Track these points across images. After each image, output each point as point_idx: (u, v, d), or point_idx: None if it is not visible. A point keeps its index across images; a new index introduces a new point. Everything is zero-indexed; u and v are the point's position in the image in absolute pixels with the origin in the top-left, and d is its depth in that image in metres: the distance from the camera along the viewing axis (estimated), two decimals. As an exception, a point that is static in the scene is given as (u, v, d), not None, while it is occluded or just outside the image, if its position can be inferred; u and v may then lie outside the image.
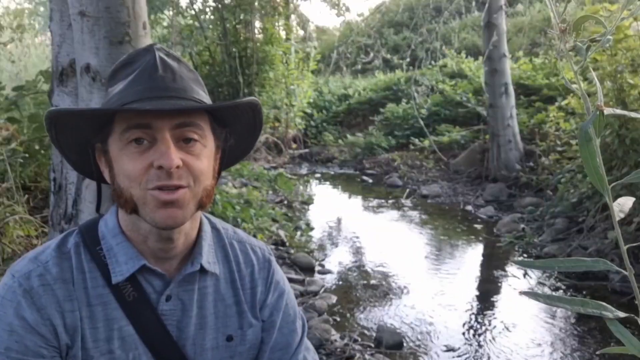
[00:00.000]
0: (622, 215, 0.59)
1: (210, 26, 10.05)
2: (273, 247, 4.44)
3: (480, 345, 2.96)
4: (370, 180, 8.05)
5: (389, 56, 13.53)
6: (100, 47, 1.90)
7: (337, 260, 4.43)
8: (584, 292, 3.61)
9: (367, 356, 2.81)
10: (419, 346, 2.97)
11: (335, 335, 3.03)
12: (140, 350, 0.88)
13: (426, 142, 8.56)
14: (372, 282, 3.92)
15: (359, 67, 14.95)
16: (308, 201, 6.50)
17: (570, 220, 4.63)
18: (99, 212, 0.97)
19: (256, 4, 9.59)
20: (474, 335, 3.08)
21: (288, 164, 9.31)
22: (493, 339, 3.03)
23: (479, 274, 4.22)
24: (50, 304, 0.83)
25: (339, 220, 5.76)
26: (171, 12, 9.70)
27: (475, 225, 5.43)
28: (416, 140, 8.82)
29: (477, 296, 3.70)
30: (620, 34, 4.09)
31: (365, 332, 3.13)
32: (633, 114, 0.60)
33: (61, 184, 2.21)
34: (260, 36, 9.82)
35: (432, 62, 10.92)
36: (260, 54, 9.50)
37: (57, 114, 0.85)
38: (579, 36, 0.58)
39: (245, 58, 9.50)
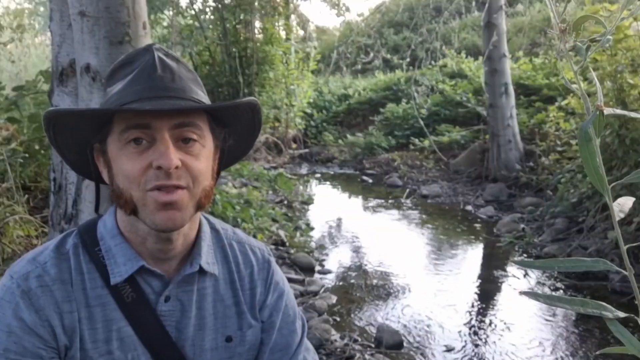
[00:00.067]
0: (622, 215, 0.59)
1: (210, 26, 10.05)
2: (273, 247, 4.44)
3: (480, 345, 2.96)
4: (370, 180, 8.05)
5: (389, 56, 13.53)
6: (100, 47, 1.90)
7: (337, 260, 4.43)
8: (584, 292, 3.61)
9: (367, 356, 2.81)
10: (419, 346, 2.97)
11: (335, 335, 3.03)
12: (139, 351, 0.88)
13: (426, 142, 8.56)
14: (372, 282, 3.92)
15: (359, 67, 14.95)
16: (308, 201, 6.50)
17: (570, 220, 4.63)
18: (97, 212, 0.97)
19: (256, 4, 9.59)
20: (474, 335, 3.08)
21: (288, 164, 9.31)
22: (493, 339, 3.03)
23: (479, 274, 4.22)
24: (48, 305, 0.83)
25: (339, 220, 5.76)
26: (171, 12, 9.70)
27: (475, 225, 5.43)
28: (416, 140, 8.82)
29: (477, 296, 3.70)
30: (620, 34, 4.09)
31: (365, 332, 3.13)
32: (633, 114, 0.60)
33: (61, 184, 2.21)
34: (260, 36, 9.82)
35: (432, 62, 10.92)
36: (260, 54, 9.50)
37: (56, 114, 0.85)
38: (579, 36, 0.58)
39: (245, 58, 9.50)
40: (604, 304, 0.58)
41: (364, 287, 3.84)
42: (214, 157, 0.91)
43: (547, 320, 3.24)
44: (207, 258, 0.94)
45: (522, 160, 6.72)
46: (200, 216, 0.96)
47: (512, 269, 4.13)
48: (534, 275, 3.98)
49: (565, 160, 5.68)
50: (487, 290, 3.80)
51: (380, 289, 3.79)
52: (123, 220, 0.90)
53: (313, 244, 4.81)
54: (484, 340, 3.02)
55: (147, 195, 0.82)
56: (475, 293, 3.76)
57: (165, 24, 10.55)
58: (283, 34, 10.25)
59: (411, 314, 3.36)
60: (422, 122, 8.41)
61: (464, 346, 2.95)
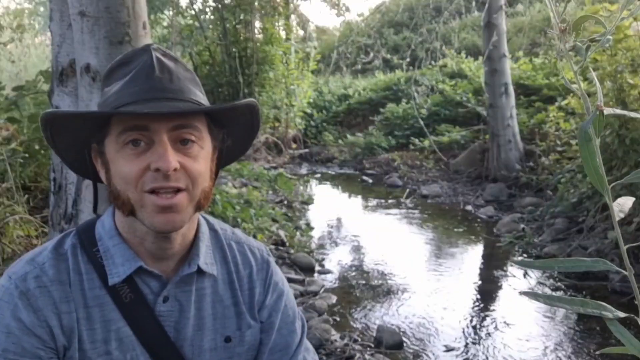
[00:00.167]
0: (622, 215, 0.59)
1: (210, 26, 10.05)
2: (273, 247, 4.44)
3: (480, 345, 2.96)
4: (370, 180, 8.05)
5: (389, 56, 13.53)
6: (100, 47, 1.90)
7: (337, 260, 4.43)
8: (584, 292, 3.61)
9: (367, 356, 2.81)
10: (419, 346, 2.97)
11: (335, 335, 3.03)
12: (138, 352, 0.88)
13: (426, 142, 8.56)
14: (372, 282, 3.92)
15: (359, 67, 14.95)
16: (308, 201, 6.50)
17: (570, 220, 4.63)
18: (96, 212, 0.97)
19: (256, 4, 9.59)
20: (474, 335, 3.08)
21: (288, 164, 9.31)
22: (493, 339, 3.03)
23: (479, 274, 4.22)
24: (46, 306, 0.83)
25: (339, 220, 5.76)
26: (171, 12, 9.70)
27: (475, 225, 5.43)
28: (416, 140, 8.82)
29: (477, 296, 3.70)
30: (620, 34, 4.09)
31: (365, 332, 3.13)
32: (633, 114, 0.60)
33: (61, 184, 2.21)
34: (260, 36, 9.83)
35: (432, 62, 10.92)
36: (260, 54, 9.51)
37: (53, 116, 0.84)
38: (579, 36, 0.58)
39: (245, 58, 9.50)
40: (604, 304, 0.58)
41: (364, 287, 3.84)
42: (212, 158, 0.91)
43: (547, 320, 3.24)
44: (206, 258, 0.94)
45: (522, 160, 6.72)
46: (198, 216, 0.96)
47: (512, 269, 4.13)
48: (534, 275, 3.98)
49: (565, 160, 5.68)
50: (487, 290, 3.80)
51: (380, 289, 3.79)
52: (121, 221, 0.90)
53: (313, 244, 4.81)
54: (484, 340, 3.02)
55: (144, 196, 0.81)
56: (475, 293, 3.76)
57: (165, 24, 10.55)
58: (283, 34, 10.26)
59: (411, 314, 3.36)
60: (422, 122, 8.41)
61: (464, 346, 2.95)
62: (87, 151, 0.90)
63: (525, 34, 12.15)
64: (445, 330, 3.13)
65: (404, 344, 2.97)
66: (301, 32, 12.41)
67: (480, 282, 3.97)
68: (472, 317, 3.33)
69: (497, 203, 6.11)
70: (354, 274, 4.11)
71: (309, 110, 10.86)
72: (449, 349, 2.92)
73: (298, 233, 5.00)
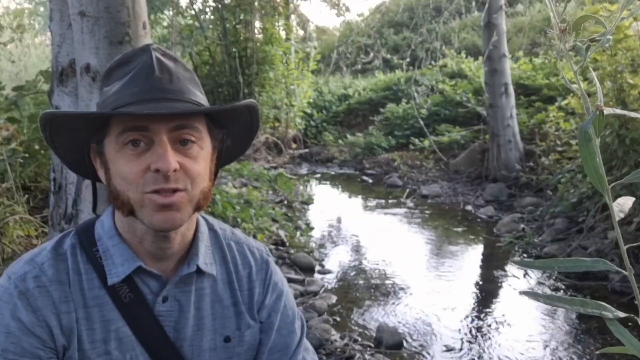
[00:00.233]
0: (622, 215, 0.59)
1: (210, 26, 10.05)
2: (273, 247, 4.44)
3: (480, 345, 2.96)
4: (370, 180, 8.05)
5: (389, 56, 13.53)
6: (100, 47, 1.90)
7: (337, 260, 4.43)
8: (584, 292, 3.61)
9: (367, 356, 2.81)
10: (419, 346, 2.97)
11: (335, 335, 3.03)
12: (137, 351, 0.88)
13: (426, 142, 8.56)
14: (372, 282, 3.92)
15: (359, 67, 14.95)
16: (308, 201, 6.50)
17: (570, 220, 4.63)
18: (95, 212, 0.97)
19: (256, 4, 9.59)
20: (473, 335, 3.08)
21: (288, 164, 9.31)
22: (493, 339, 3.03)
23: (479, 274, 4.22)
24: (46, 306, 0.83)
25: (339, 220, 5.76)
26: (171, 12, 9.70)
27: (475, 225, 5.43)
28: (416, 140, 8.82)
29: (477, 296, 3.70)
30: (620, 34, 4.08)
31: (365, 332, 3.13)
32: (633, 114, 0.60)
33: (61, 184, 2.21)
34: (260, 36, 9.82)
35: (432, 62, 10.92)
36: (260, 54, 9.51)
37: (52, 117, 0.84)
38: (579, 36, 0.58)
39: (245, 58, 9.50)
40: (604, 304, 0.58)
41: (364, 287, 3.84)
42: (211, 158, 0.91)
43: (547, 320, 3.24)
44: (205, 258, 0.94)
45: (522, 160, 6.72)
46: (198, 216, 0.96)
47: (512, 269, 4.13)
48: (534, 275, 3.98)
49: (565, 160, 5.68)
50: (487, 290, 3.80)
51: (380, 289, 3.79)
52: (121, 221, 0.90)
53: (313, 244, 4.81)
54: (484, 340, 3.02)
55: (145, 197, 0.82)
56: (475, 293, 3.76)
57: (165, 24, 10.55)
58: (283, 34, 10.25)
59: (411, 314, 3.36)
60: (422, 122, 8.41)
61: (464, 346, 2.95)
62: (86, 151, 0.90)
63: (525, 34, 12.15)
64: (445, 330, 3.13)
65: (404, 344, 2.97)
66: (301, 32, 12.41)
67: (480, 282, 3.97)
68: (472, 317, 3.33)
69: (497, 203, 6.11)
70: (354, 274, 4.11)
71: (309, 110, 10.86)
72: (449, 349, 2.92)
73: (298, 233, 5.00)
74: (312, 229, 5.29)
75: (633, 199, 0.62)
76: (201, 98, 0.88)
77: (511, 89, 6.82)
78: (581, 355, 2.82)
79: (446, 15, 12.04)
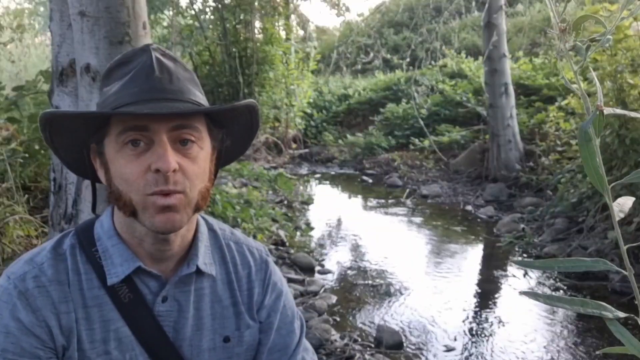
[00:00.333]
0: (622, 215, 0.59)
1: (210, 26, 10.05)
2: (273, 247, 4.44)
3: (480, 345, 2.96)
4: (370, 180, 8.05)
5: (389, 56, 13.53)
6: (100, 47, 1.90)
7: (337, 260, 4.43)
8: (584, 292, 3.61)
9: (367, 356, 2.81)
10: (419, 346, 2.97)
11: (335, 335, 3.02)
12: (137, 351, 0.88)
13: (426, 142, 8.56)
14: (372, 282, 3.92)
15: (359, 67, 14.94)
16: (308, 201, 6.50)
17: (570, 220, 4.63)
18: (95, 212, 0.97)
19: (256, 4, 9.59)
20: (473, 335, 3.08)
21: (288, 164, 9.31)
22: (493, 339, 3.03)
23: (479, 274, 4.22)
24: (45, 306, 0.83)
25: (339, 220, 5.76)
26: (171, 12, 9.70)
27: (475, 225, 5.43)
28: (416, 140, 8.82)
29: (477, 296, 3.70)
30: (620, 34, 4.08)
31: (365, 332, 3.13)
32: (633, 114, 0.60)
33: (61, 184, 2.21)
34: (260, 36, 9.82)
35: (432, 62, 10.92)
36: (260, 54, 9.50)
37: (52, 116, 0.84)
38: (579, 36, 0.58)
39: (245, 58, 9.50)
40: (604, 304, 0.58)
41: (364, 287, 3.83)
42: (211, 158, 0.91)
43: (547, 320, 3.23)
44: (205, 259, 0.94)
45: (522, 160, 6.72)
46: (197, 217, 0.96)
47: (512, 269, 4.13)
48: (534, 275, 3.98)
49: (565, 160, 5.68)
50: (487, 290, 3.80)
51: (380, 289, 3.79)
52: (120, 221, 0.90)
53: (313, 244, 4.81)
54: (483, 340, 3.02)
55: (147, 199, 0.82)
56: (475, 293, 3.76)
57: (165, 24, 10.55)
58: (283, 34, 10.25)
59: (411, 314, 3.36)
60: (422, 122, 8.41)
61: (464, 346, 2.95)
62: (85, 151, 0.90)
63: (525, 34, 12.14)
64: (445, 330, 3.13)
65: (404, 344, 2.96)
66: (301, 32, 12.41)
67: (480, 282, 3.97)
68: (472, 317, 3.33)
69: (497, 203, 6.11)
70: (354, 274, 4.11)
71: (309, 110, 10.86)
72: (449, 349, 2.92)
73: (298, 233, 5.00)
74: (312, 229, 5.29)
75: (633, 199, 0.62)
76: (201, 98, 0.88)
77: (511, 89, 6.82)
78: (581, 355, 2.82)
79: (446, 15, 12.04)
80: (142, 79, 0.83)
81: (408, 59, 11.15)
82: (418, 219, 5.78)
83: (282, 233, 4.74)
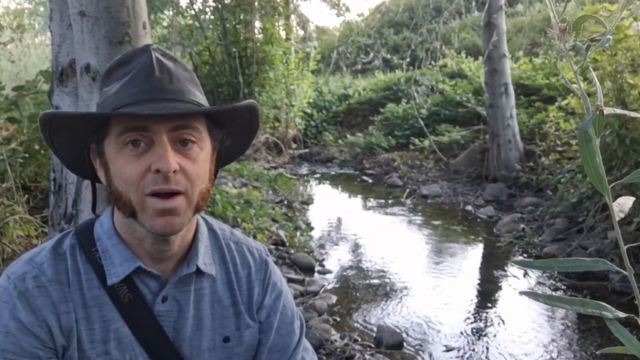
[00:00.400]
0: (622, 215, 0.59)
1: (210, 26, 10.05)
2: (273, 247, 4.44)
3: (479, 345, 2.96)
4: (370, 180, 8.05)
5: (389, 56, 13.53)
6: (100, 47, 1.90)
7: (337, 260, 4.43)
8: (584, 292, 3.61)
9: (367, 356, 2.81)
10: (419, 346, 2.97)
11: (335, 335, 3.02)
12: (136, 351, 0.88)
13: (426, 142, 8.56)
14: (372, 282, 3.92)
15: (359, 67, 14.94)
16: (308, 201, 6.50)
17: (570, 220, 4.63)
18: (95, 212, 0.97)
19: (256, 4, 9.59)
20: (473, 335, 3.08)
21: (288, 164, 9.31)
22: (493, 339, 3.03)
23: (478, 274, 4.22)
24: (45, 306, 0.83)
25: (339, 220, 5.76)
26: (171, 12, 9.70)
27: (475, 225, 5.43)
28: (416, 140, 8.82)
29: (477, 296, 3.70)
30: (620, 34, 4.08)
31: (365, 332, 3.13)
32: (633, 114, 0.60)
33: (61, 184, 2.21)
34: (260, 36, 9.82)
35: (432, 62, 10.92)
36: (260, 54, 9.50)
37: (52, 117, 0.84)
38: (579, 36, 0.58)
39: (245, 58, 9.50)
40: (604, 304, 0.58)
41: (364, 287, 3.83)
42: (211, 158, 0.91)
43: (547, 320, 3.23)
44: (205, 259, 0.94)
45: (522, 160, 6.72)
46: (197, 217, 0.96)
47: (512, 269, 4.13)
48: (534, 275, 3.98)
49: (565, 160, 5.68)
50: (487, 290, 3.80)
51: (380, 289, 3.79)
52: (120, 221, 0.90)
53: (313, 244, 4.81)
54: (483, 340, 3.02)
55: (146, 199, 0.82)
56: (475, 293, 3.76)
57: (165, 24, 10.54)
58: (283, 34, 10.25)
59: (411, 314, 3.36)
60: (422, 122, 8.41)
61: (464, 346, 2.95)
62: (85, 151, 0.90)
63: (525, 34, 12.14)
64: (445, 330, 3.13)
65: (404, 344, 2.96)
66: (301, 32, 12.41)
67: (480, 282, 3.97)
68: (472, 317, 3.33)
69: (497, 203, 6.11)
70: (354, 274, 4.11)
71: (309, 110, 10.86)
72: (449, 349, 2.92)
73: (298, 233, 5.00)
74: (312, 229, 5.29)
75: (633, 199, 0.62)
76: (201, 98, 0.88)
77: (511, 89, 6.82)
78: (581, 355, 2.82)
79: (446, 15, 12.04)
80: (142, 79, 0.83)
81: (408, 59, 11.15)
82: (418, 219, 5.77)
83: (282, 233, 4.74)
